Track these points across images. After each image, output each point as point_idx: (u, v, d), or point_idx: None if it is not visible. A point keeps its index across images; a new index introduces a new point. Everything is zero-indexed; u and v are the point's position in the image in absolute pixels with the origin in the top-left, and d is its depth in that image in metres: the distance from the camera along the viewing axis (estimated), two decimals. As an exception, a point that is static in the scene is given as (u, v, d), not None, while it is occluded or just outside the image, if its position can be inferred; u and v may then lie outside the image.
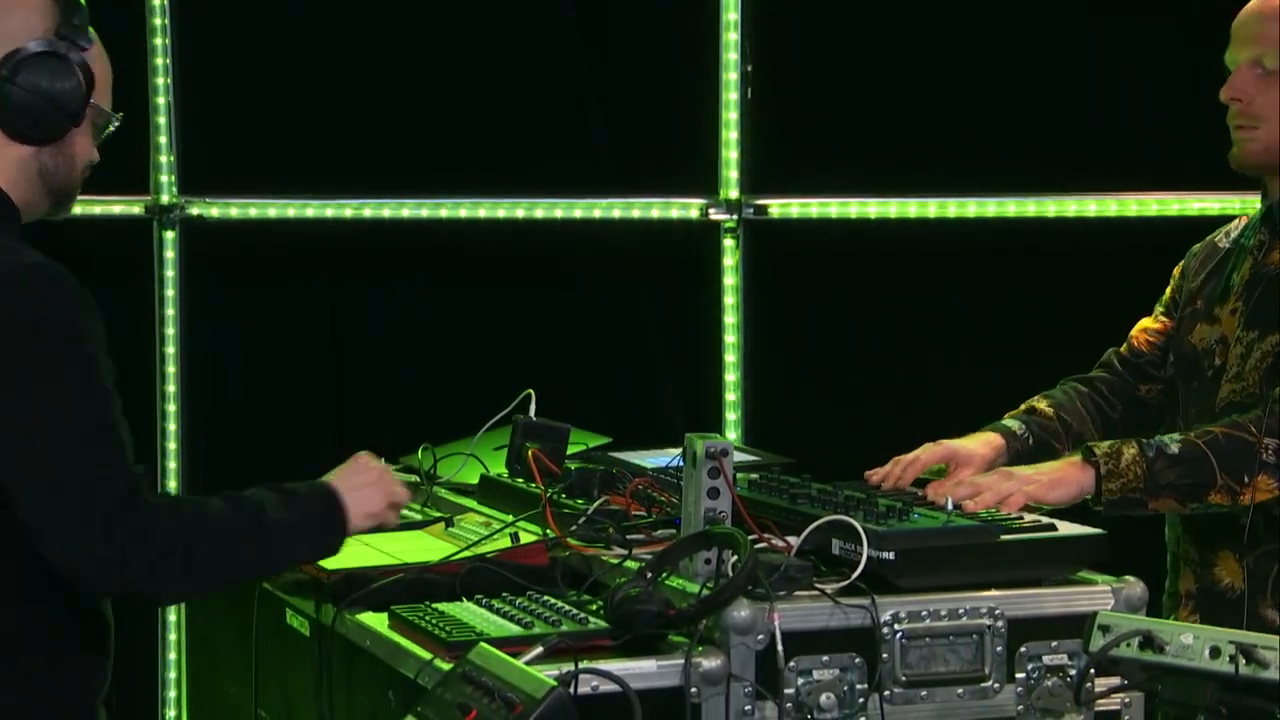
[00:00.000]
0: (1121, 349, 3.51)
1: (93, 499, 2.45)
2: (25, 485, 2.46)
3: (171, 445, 4.67)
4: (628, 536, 2.89)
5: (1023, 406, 3.41)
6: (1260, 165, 3.31)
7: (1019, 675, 2.64)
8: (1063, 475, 3.01)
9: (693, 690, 2.46)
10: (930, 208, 4.81)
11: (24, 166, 2.63)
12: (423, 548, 3.01)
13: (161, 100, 4.63)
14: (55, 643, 2.58)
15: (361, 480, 2.78)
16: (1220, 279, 3.34)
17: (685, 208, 4.81)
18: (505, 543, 2.92)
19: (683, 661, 2.46)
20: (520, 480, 3.29)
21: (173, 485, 4.67)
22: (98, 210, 4.62)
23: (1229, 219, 3.48)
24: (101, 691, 2.65)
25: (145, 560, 2.47)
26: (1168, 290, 3.51)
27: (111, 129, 2.73)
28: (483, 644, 2.42)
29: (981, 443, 3.24)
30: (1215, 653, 2.34)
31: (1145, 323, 3.50)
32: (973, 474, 3.08)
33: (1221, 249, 3.39)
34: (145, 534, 2.47)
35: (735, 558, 2.55)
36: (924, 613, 2.60)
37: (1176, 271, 3.50)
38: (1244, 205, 4.80)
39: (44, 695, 2.57)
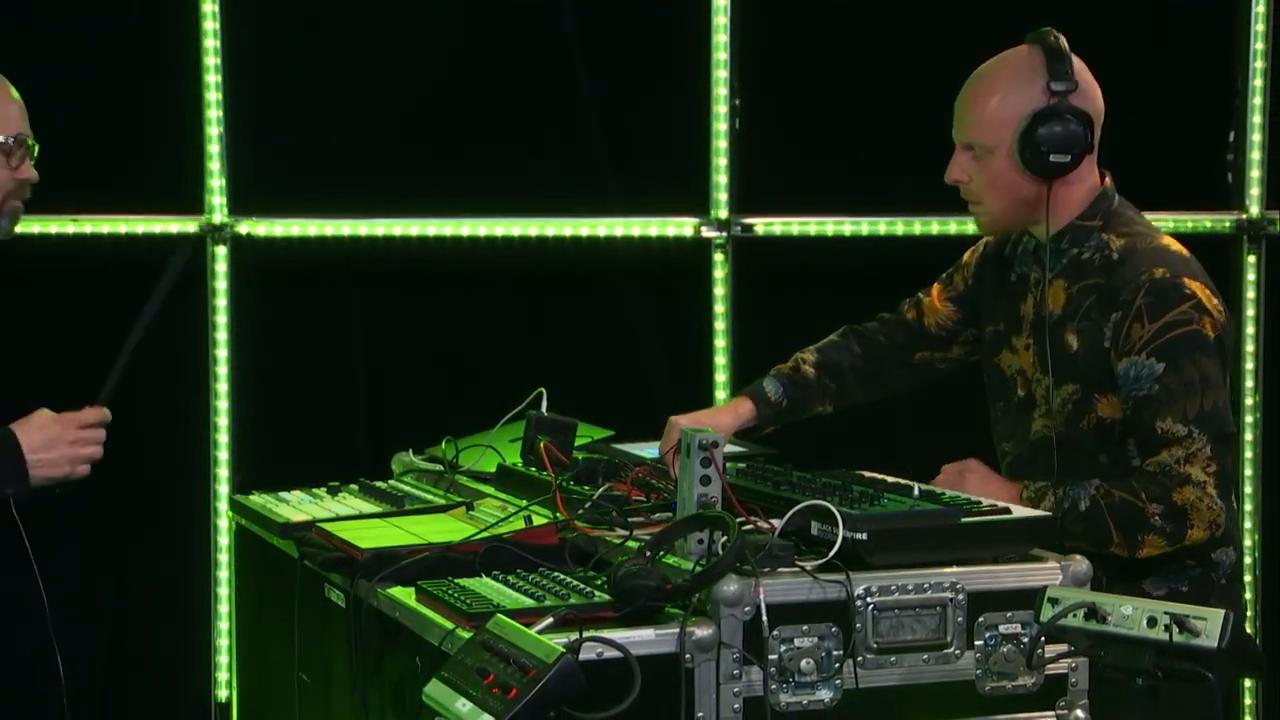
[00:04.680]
0: (915, 316, 3.46)
1: None
2: None
3: (223, 438, 4.67)
4: (629, 519, 2.90)
5: (789, 363, 3.42)
6: (999, 233, 3.24)
7: (978, 643, 2.65)
8: (1002, 498, 2.98)
9: (687, 656, 2.47)
10: (898, 226, 4.82)
11: None
12: (446, 529, 3.01)
13: (214, 130, 4.63)
14: None
15: (42, 440, 2.94)
16: (1011, 306, 3.28)
17: (680, 226, 4.81)
18: (519, 525, 2.92)
19: (678, 631, 2.46)
20: (533, 469, 3.30)
21: (223, 475, 4.67)
22: (156, 229, 4.61)
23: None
24: None
25: None
26: (958, 279, 3.44)
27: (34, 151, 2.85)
28: (499, 615, 2.42)
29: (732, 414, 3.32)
30: (1152, 622, 2.35)
31: (938, 306, 3.44)
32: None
33: (1009, 264, 3.31)
34: None
35: (725, 538, 2.55)
36: (893, 587, 2.61)
37: (970, 262, 3.41)
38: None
39: None
